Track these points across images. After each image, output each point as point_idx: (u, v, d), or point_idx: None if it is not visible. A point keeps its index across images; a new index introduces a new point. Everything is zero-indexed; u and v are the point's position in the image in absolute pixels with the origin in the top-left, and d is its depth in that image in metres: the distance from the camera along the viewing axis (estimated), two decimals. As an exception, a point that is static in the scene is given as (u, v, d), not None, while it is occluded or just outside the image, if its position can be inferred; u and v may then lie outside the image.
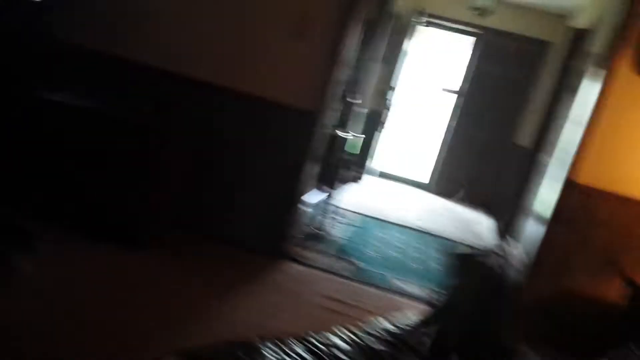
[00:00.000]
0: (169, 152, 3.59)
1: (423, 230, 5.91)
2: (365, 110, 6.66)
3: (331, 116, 4.13)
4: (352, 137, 4.62)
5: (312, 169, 4.08)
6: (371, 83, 6.52)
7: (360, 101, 5.04)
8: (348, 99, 4.72)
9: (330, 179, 5.27)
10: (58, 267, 3.07)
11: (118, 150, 3.46)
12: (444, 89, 8.24)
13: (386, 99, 7.54)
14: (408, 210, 6.68)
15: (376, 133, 7.67)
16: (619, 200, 3.36)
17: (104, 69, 3.90)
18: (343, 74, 3.91)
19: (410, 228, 5.84)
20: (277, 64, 3.73)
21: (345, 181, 7.32)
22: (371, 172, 8.02)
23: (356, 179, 7.60)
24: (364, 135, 5.97)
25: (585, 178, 3.36)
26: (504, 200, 6.70)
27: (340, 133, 4.52)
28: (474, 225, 6.75)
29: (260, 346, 1.71)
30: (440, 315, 1.81)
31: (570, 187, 3.39)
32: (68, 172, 3.50)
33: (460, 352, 1.62)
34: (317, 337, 1.92)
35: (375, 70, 6.54)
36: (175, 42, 3.83)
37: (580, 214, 3.40)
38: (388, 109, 7.68)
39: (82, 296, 2.86)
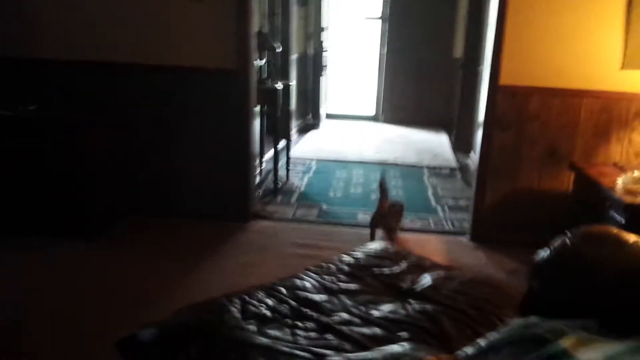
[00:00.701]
0: (96, 140, 3.57)
1: (381, 161, 6.02)
2: (295, 56, 6.61)
3: (257, 69, 4.11)
4: (283, 85, 4.62)
5: (256, 126, 4.08)
6: (293, 28, 6.44)
7: (280, 49, 5.00)
8: (272, 49, 4.68)
9: (282, 131, 5.29)
10: (11, 269, 3.09)
11: (46, 148, 3.45)
12: (366, 17, 8.18)
13: (320, 41, 7.48)
14: (365, 146, 6.77)
15: (321, 78, 7.65)
16: (542, 92, 3.47)
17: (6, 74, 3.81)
18: (255, 25, 3.87)
19: (369, 162, 5.94)
20: (183, 30, 3.67)
21: (302, 131, 7.36)
22: (326, 117, 8.05)
23: (313, 126, 7.64)
24: (293, 82, 5.94)
25: (507, 78, 3.45)
26: (454, 116, 6.83)
27: (273, 84, 4.50)
28: (429, 146, 6.89)
29: (225, 303, 1.78)
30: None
31: (496, 89, 3.49)
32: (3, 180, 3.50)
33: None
34: (282, 283, 2.00)
35: (293, 14, 6.45)
36: (75, 30, 3.72)
37: (511, 113, 3.52)
38: (325, 51, 7.63)
39: (42, 291, 2.87)
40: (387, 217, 3.54)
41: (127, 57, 3.73)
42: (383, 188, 3.62)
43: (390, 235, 3.49)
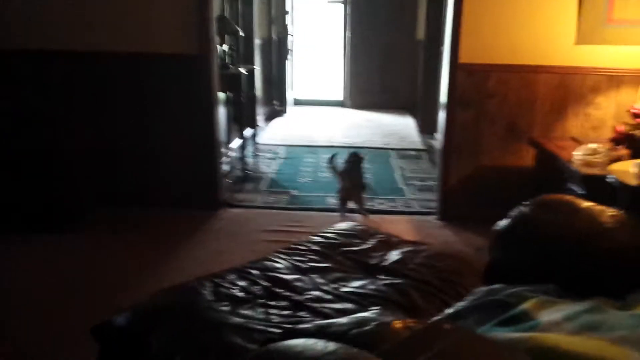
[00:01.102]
0: (66, 130, 3.55)
1: (350, 145, 6.07)
2: (258, 41, 6.58)
3: (219, 55, 4.10)
4: (247, 71, 4.61)
5: (221, 113, 4.07)
6: (255, 12, 6.40)
7: (243, 34, 4.98)
8: (234, 33, 4.66)
9: (249, 118, 5.29)
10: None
11: (17, 141, 3.40)
12: (329, 1, 8.17)
13: (285, 25, 7.45)
14: (333, 131, 6.81)
15: (286, 62, 7.63)
16: (500, 70, 3.55)
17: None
18: (216, 9, 3.85)
19: (337, 147, 5.97)
20: (144, 16, 3.64)
21: (269, 117, 7.34)
22: (293, 104, 8.05)
23: (280, 112, 7.63)
24: (257, 67, 5.92)
25: (466, 57, 3.52)
26: (419, 98, 6.91)
27: (235, 70, 4.49)
28: (396, 129, 6.96)
29: (197, 286, 1.80)
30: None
31: (455, 68, 3.56)
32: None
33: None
34: (253, 265, 2.02)
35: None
36: (37, 19, 3.65)
37: (471, 92, 3.60)
38: (290, 35, 7.61)
39: (21, 283, 2.86)
40: (351, 190, 3.88)
41: (89, 46, 3.68)
42: (333, 166, 3.99)
43: (361, 207, 3.88)
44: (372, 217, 3.84)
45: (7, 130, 3.40)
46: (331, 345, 0.83)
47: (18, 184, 3.44)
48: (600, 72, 3.49)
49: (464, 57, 3.53)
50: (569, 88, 3.54)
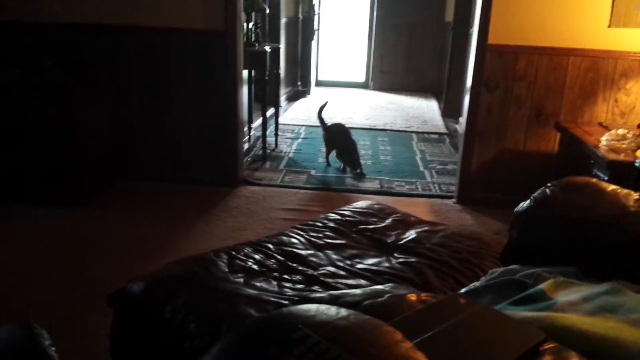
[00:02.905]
0: (88, 104, 3.55)
1: (371, 127, 6.03)
2: (284, 20, 6.54)
3: (244, 32, 4.07)
4: (271, 49, 4.58)
5: (244, 92, 4.06)
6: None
7: (269, 11, 4.95)
8: (260, 10, 4.62)
9: (271, 97, 5.27)
10: (5, 236, 3.11)
11: (37, 113, 3.41)
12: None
13: (312, 3, 7.38)
14: (354, 112, 6.76)
15: (312, 43, 7.57)
16: (530, 51, 3.46)
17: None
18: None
19: (358, 128, 5.93)
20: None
21: (293, 98, 7.32)
22: (315, 85, 8.00)
23: (304, 93, 7.59)
24: (282, 46, 5.89)
25: (496, 38, 3.43)
26: (445, 81, 6.81)
27: (260, 47, 4.46)
28: (419, 112, 6.88)
29: (213, 257, 1.80)
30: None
31: (484, 49, 3.48)
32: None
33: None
34: (269, 240, 2.02)
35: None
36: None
37: (498, 73, 3.52)
38: (317, 14, 7.54)
39: (44, 254, 2.91)
40: (336, 140, 4.45)
41: (113, 19, 3.69)
42: (320, 119, 4.64)
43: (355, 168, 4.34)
44: (390, 198, 3.81)
45: (28, 103, 3.42)
46: (343, 311, 0.82)
47: (40, 157, 3.47)
48: (633, 56, 3.38)
49: (493, 38, 3.45)
50: (599, 72, 3.44)
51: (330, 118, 6.33)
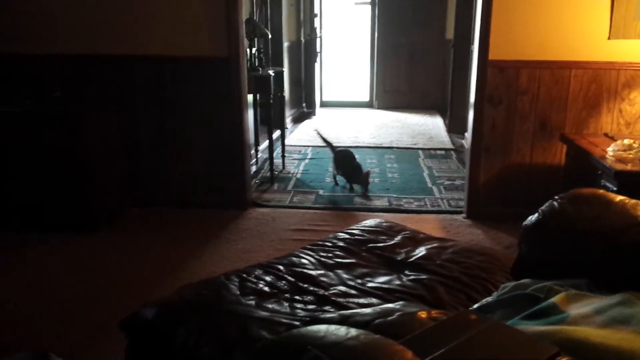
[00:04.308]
0: (96, 132, 3.60)
1: (377, 146, 6.05)
2: (287, 44, 6.62)
3: (248, 57, 4.13)
4: (275, 73, 4.64)
5: (250, 115, 4.10)
6: (284, 15, 6.45)
7: (271, 36, 5.03)
8: (263, 36, 4.69)
9: (277, 120, 5.32)
10: (19, 264, 3.14)
11: (47, 142, 3.47)
12: (356, 2, 8.20)
13: (314, 27, 7.48)
14: (360, 131, 6.79)
15: (314, 65, 7.65)
16: (532, 66, 3.48)
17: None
18: (245, 13, 3.88)
19: (364, 147, 5.96)
20: (174, 19, 3.70)
21: (298, 119, 7.38)
22: (320, 105, 8.06)
23: (309, 115, 7.65)
24: (285, 69, 5.96)
25: (497, 54, 3.46)
26: (448, 97, 6.84)
27: (264, 72, 4.52)
28: (424, 129, 6.91)
29: (224, 280, 1.81)
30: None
31: (485, 64, 3.50)
32: (8, 177, 3.53)
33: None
34: (279, 261, 2.03)
35: (284, 1, 6.45)
36: (69, 24, 3.75)
37: (501, 88, 3.54)
38: (318, 37, 7.63)
39: (53, 282, 2.93)
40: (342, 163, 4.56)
41: (120, 49, 3.76)
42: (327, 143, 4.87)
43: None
44: (399, 215, 3.81)
45: (39, 133, 3.48)
46: (353, 331, 0.83)
47: (49, 184, 3.52)
48: (634, 66, 3.39)
49: (494, 54, 3.48)
50: (602, 84, 3.45)
51: (336, 137, 6.39)
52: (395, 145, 6.04)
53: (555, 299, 1.39)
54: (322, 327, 0.84)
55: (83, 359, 2.23)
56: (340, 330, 0.83)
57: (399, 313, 1.09)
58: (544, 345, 0.96)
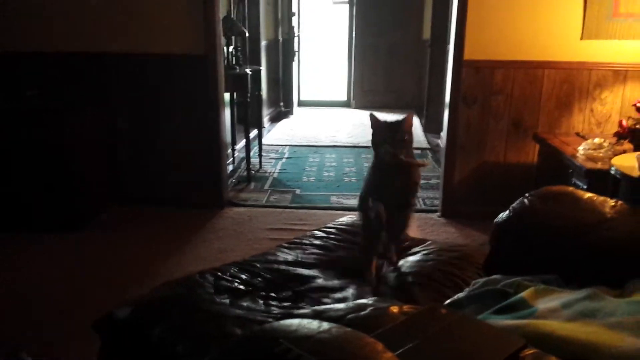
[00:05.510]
0: (76, 131, 3.56)
1: (354, 145, 6.07)
2: (264, 43, 6.61)
3: (225, 55, 4.11)
4: (252, 71, 4.62)
5: (226, 114, 4.09)
6: (261, 13, 6.44)
7: (248, 35, 5.02)
8: (240, 34, 4.68)
9: (254, 119, 5.30)
10: (10, 263, 3.10)
11: (29, 139, 3.43)
12: (334, 2, 8.23)
13: (291, 26, 7.47)
14: (338, 131, 6.81)
15: (292, 64, 7.64)
16: (506, 66, 3.54)
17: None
18: (222, 10, 3.87)
19: (342, 146, 5.98)
20: (151, 16, 3.67)
21: (275, 118, 7.36)
22: (298, 105, 8.06)
23: (287, 114, 7.64)
24: (262, 68, 5.95)
25: (472, 53, 3.51)
26: (425, 97, 6.90)
27: (241, 70, 4.50)
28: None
29: (199, 278, 1.80)
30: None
31: (460, 64, 3.55)
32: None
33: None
34: (255, 259, 2.03)
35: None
36: (47, 21, 3.70)
37: (476, 88, 3.59)
38: (296, 36, 7.62)
39: (32, 281, 2.89)
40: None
41: (98, 47, 3.72)
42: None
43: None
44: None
45: (17, 129, 3.43)
46: (325, 325, 0.84)
47: (27, 183, 3.47)
48: (606, 67, 3.47)
49: (470, 54, 3.52)
50: (574, 83, 3.52)
51: (314, 137, 6.41)
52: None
53: (524, 293, 1.42)
54: (294, 321, 0.85)
55: (61, 358, 2.21)
56: (313, 324, 0.84)
57: (371, 308, 1.11)
58: (512, 337, 0.98)
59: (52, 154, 3.43)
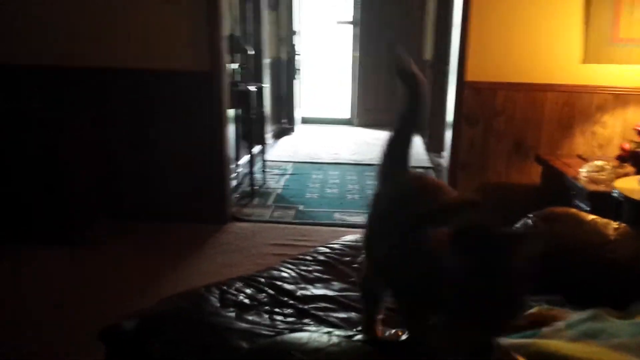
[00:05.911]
0: (74, 144, 3.59)
1: (357, 162, 6.11)
2: (268, 61, 6.68)
3: (230, 72, 4.15)
4: (256, 88, 4.68)
5: (230, 130, 4.12)
6: (265, 32, 6.51)
7: (252, 52, 5.08)
8: (244, 52, 4.74)
9: (258, 135, 5.34)
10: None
11: (24, 152, 3.45)
12: (338, 22, 8.32)
13: (293, 45, 7.55)
14: (340, 148, 6.85)
15: (294, 82, 7.71)
16: (507, 88, 3.59)
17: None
18: (226, 28, 3.93)
19: (344, 164, 6.01)
20: (156, 33, 3.71)
21: (278, 135, 7.41)
22: (301, 122, 8.11)
23: (289, 131, 7.69)
24: (266, 85, 6.00)
25: (473, 75, 3.57)
26: (426, 117, 6.94)
27: (245, 87, 4.55)
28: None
29: (204, 292, 1.82)
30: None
31: (462, 86, 3.60)
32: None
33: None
34: (259, 274, 2.05)
35: (264, 18, 6.51)
36: (50, 35, 3.74)
37: (478, 109, 3.64)
38: (298, 54, 7.70)
39: (35, 294, 2.88)
40: None
41: (101, 62, 3.76)
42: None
43: None
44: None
45: (14, 142, 3.45)
46: (335, 338, 0.86)
47: (26, 197, 3.48)
48: (606, 90, 3.51)
49: (471, 75, 3.57)
50: (575, 106, 3.56)
51: (316, 154, 6.44)
52: (375, 163, 6.09)
53: (528, 313, 1.44)
54: (304, 335, 0.87)
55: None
56: (323, 337, 0.86)
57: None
58: (517, 357, 1.00)
59: (49, 168, 3.44)
